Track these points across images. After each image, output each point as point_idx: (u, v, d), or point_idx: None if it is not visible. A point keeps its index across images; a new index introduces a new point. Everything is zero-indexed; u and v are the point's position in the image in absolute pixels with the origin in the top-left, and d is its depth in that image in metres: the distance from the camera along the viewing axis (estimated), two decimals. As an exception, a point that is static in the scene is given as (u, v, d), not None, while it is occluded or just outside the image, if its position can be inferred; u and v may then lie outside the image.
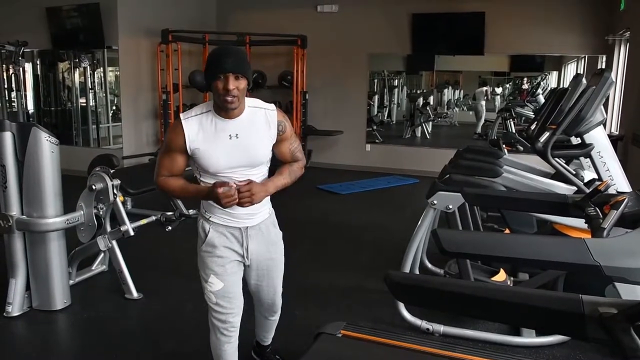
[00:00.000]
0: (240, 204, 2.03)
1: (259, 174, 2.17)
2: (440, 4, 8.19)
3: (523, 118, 9.08)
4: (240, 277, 2.30)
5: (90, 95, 8.53)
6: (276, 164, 2.28)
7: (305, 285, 3.88)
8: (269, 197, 2.26)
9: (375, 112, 9.81)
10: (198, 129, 2.04)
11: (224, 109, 2.01)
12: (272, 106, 2.17)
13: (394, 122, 10.33)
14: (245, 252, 2.24)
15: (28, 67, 8.20)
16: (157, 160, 2.18)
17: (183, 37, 8.08)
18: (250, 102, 2.11)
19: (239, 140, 2.05)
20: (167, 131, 2.14)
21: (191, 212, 4.85)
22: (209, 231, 2.19)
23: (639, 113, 5.74)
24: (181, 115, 2.10)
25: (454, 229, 3.26)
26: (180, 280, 4.04)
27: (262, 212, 2.26)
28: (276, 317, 2.58)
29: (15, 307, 3.41)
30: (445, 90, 9.97)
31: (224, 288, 2.21)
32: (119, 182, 3.71)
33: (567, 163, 4.14)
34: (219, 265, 2.20)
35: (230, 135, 2.04)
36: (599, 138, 3.82)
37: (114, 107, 8.50)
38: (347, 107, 8.92)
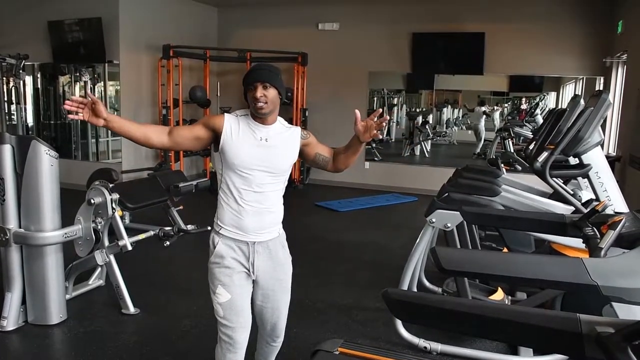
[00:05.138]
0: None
1: (278, 183, 2.30)
2: (440, 24, 8.27)
3: (522, 138, 9.12)
4: (248, 292, 2.31)
5: (91, 109, 8.54)
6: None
7: (303, 302, 3.86)
8: (280, 217, 2.35)
9: (375, 130, 9.81)
10: (236, 125, 2.24)
11: (258, 115, 2.22)
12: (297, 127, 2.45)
13: (393, 140, 10.34)
14: (251, 267, 2.28)
15: (28, 80, 8.23)
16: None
17: (184, 53, 8.15)
18: (281, 121, 2.35)
19: (267, 143, 2.24)
20: (208, 115, 2.29)
21: (189, 227, 4.83)
22: (217, 243, 2.26)
23: (636, 134, 5.78)
24: (225, 113, 2.33)
25: (453, 247, 3.27)
26: (177, 296, 4.03)
27: (271, 231, 2.31)
28: (278, 344, 2.55)
29: (10, 321, 3.39)
30: (445, 109, 10.01)
31: (231, 300, 2.23)
32: (118, 196, 3.71)
33: (565, 183, 4.15)
34: (227, 276, 2.24)
35: (260, 138, 2.24)
36: (596, 158, 3.84)
37: (114, 122, 8.50)
38: (347, 124, 8.80)
